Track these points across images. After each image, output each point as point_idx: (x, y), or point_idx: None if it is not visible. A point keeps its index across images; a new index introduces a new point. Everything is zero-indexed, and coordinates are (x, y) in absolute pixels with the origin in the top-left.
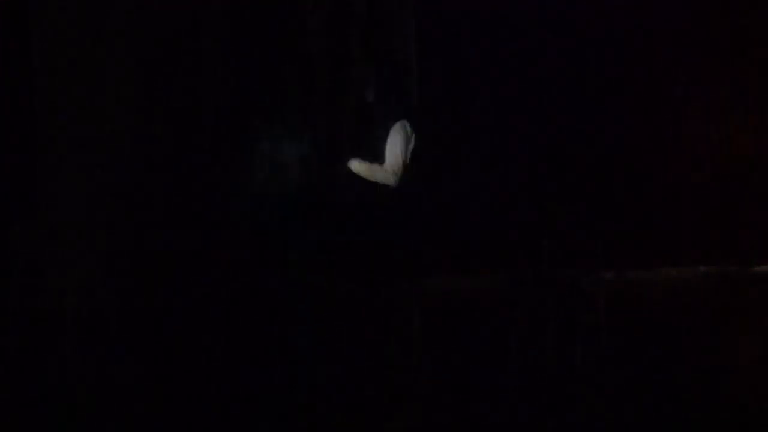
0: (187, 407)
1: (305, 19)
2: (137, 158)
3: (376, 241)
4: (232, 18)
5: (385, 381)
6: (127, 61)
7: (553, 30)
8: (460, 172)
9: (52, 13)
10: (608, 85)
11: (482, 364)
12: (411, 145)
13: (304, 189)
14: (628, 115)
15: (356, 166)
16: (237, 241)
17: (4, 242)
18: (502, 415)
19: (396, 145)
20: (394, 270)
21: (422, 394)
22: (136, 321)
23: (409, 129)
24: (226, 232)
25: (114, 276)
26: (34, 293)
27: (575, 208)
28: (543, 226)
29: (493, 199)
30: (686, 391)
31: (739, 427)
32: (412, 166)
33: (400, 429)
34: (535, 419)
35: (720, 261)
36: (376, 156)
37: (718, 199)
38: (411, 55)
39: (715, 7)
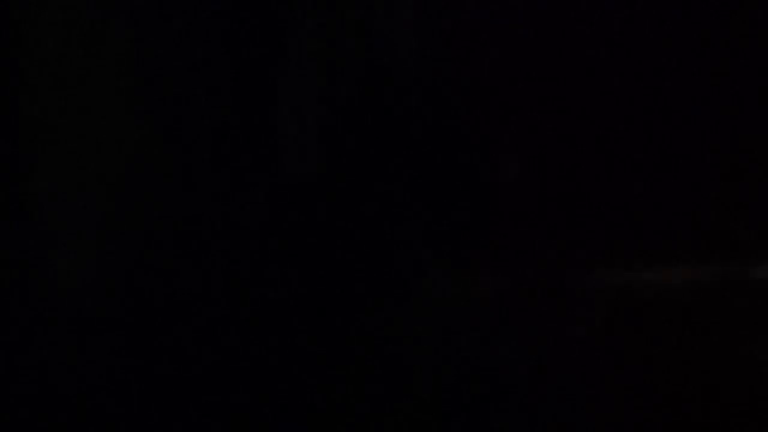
0: (186, 407)
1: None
2: (133, 157)
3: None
4: (230, 16)
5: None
6: (119, 58)
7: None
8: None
9: (40, 10)
10: (608, 83)
11: (479, 363)
12: None
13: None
14: (625, 113)
15: None
16: (242, 241)
17: None
18: (500, 415)
19: None
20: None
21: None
22: (133, 322)
23: None
24: (230, 231)
25: (109, 277)
26: (28, 294)
27: (574, 206)
28: (543, 224)
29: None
30: (686, 391)
31: (739, 427)
32: None
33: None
34: (534, 419)
35: (720, 260)
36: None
37: (719, 198)
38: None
39: None
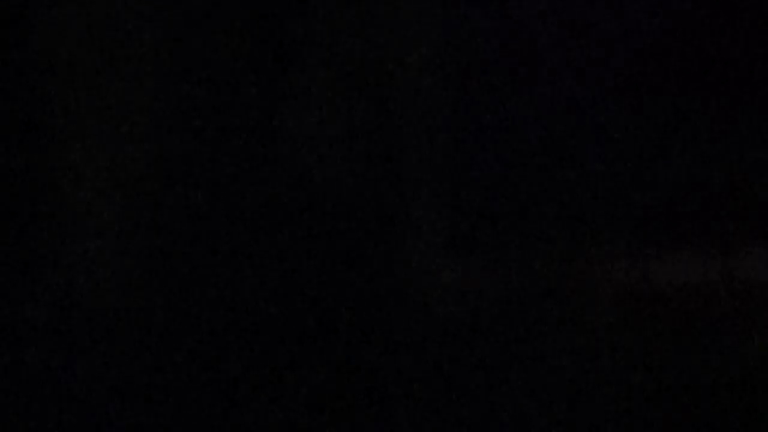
0: (197, 406)
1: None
2: (151, 155)
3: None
4: (248, 13)
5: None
6: (141, 54)
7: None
8: (465, 168)
9: (61, 7)
10: (612, 84)
11: (481, 361)
12: None
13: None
14: (629, 113)
15: None
16: (259, 239)
17: (17, 239)
18: (501, 413)
19: None
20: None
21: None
22: (149, 319)
23: None
24: (247, 229)
25: (126, 274)
26: (46, 290)
27: (577, 204)
28: (544, 221)
29: (495, 194)
30: (687, 389)
31: (739, 426)
32: None
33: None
34: (535, 416)
35: (720, 257)
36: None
37: (719, 196)
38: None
39: None
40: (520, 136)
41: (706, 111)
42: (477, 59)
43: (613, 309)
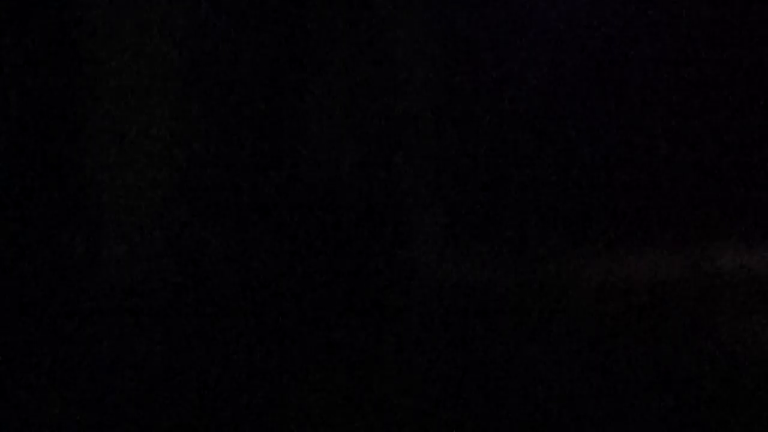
0: (220, 398)
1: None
2: (183, 154)
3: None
4: (282, 18)
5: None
6: (174, 57)
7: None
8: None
9: (98, 11)
10: (612, 83)
11: (479, 361)
12: None
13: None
14: (628, 113)
15: None
16: (290, 236)
17: (53, 238)
18: (499, 413)
19: None
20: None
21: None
22: (176, 314)
23: None
24: (274, 226)
25: (157, 271)
26: (81, 287)
27: (573, 201)
28: (540, 219)
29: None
30: (683, 389)
31: (735, 425)
32: None
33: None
34: (532, 417)
35: (716, 257)
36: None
37: (717, 196)
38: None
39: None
40: (517, 133)
41: (682, 111)
42: (476, 58)
43: (605, 304)
